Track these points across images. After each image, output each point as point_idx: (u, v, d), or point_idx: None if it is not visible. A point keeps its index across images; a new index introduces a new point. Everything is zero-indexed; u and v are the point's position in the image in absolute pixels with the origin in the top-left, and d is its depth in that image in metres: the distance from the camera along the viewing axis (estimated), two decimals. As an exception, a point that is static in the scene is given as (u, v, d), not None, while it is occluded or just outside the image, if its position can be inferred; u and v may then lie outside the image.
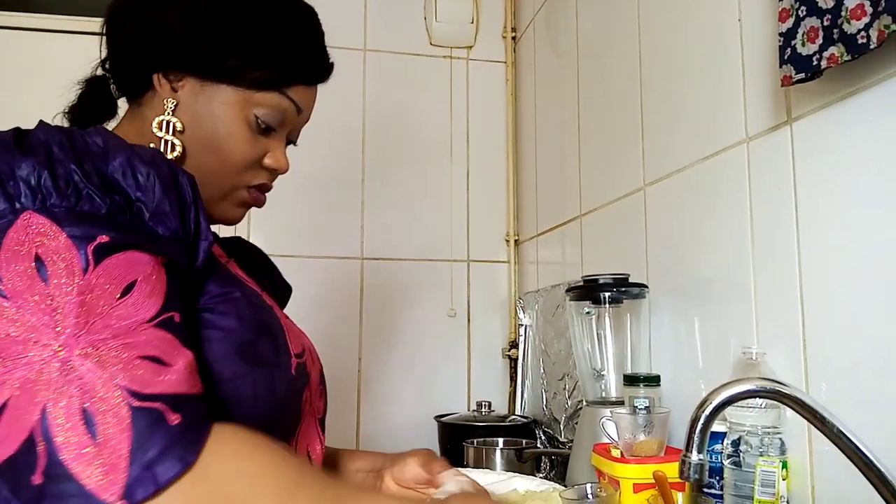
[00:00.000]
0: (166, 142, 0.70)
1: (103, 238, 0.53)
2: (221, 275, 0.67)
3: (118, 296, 0.52)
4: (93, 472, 0.46)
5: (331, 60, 0.80)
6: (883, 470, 0.56)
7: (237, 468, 0.51)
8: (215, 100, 0.71)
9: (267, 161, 0.76)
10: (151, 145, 0.69)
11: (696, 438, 0.62)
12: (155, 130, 0.70)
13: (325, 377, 0.81)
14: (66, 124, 0.75)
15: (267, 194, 0.80)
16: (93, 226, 0.53)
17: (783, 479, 0.89)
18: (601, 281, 1.31)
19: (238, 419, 0.61)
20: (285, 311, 0.87)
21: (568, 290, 1.40)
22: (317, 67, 0.78)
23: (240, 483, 0.50)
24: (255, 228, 1.81)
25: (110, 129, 0.75)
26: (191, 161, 0.71)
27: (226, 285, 0.66)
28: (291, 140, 0.80)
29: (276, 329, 0.69)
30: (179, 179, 0.60)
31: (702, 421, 0.62)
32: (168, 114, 0.70)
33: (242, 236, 0.93)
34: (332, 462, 0.86)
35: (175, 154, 0.70)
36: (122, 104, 0.78)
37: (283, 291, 0.93)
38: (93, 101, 0.77)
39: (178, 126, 0.70)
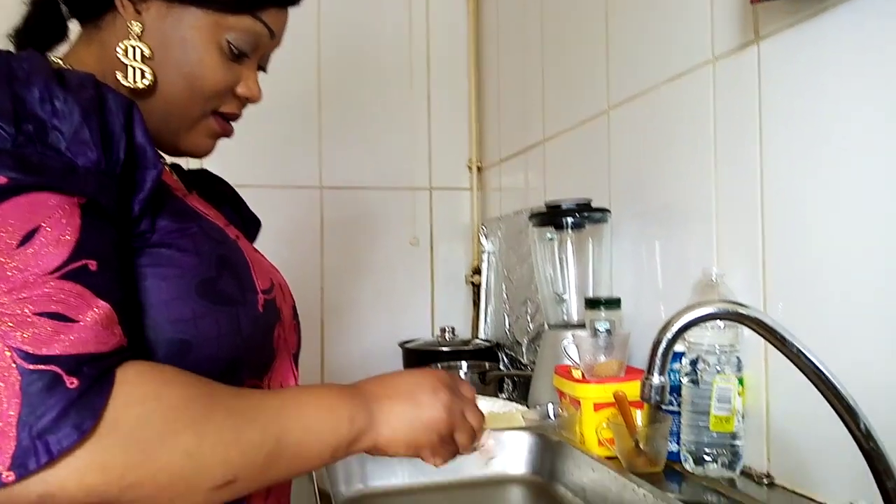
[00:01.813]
0: (135, 69, 0.65)
1: (1, 180, 0.48)
2: (176, 209, 0.63)
3: (16, 245, 0.47)
4: None
5: None
6: (839, 387, 0.58)
7: (147, 412, 0.49)
8: (184, 23, 0.66)
9: (240, 90, 0.71)
10: (117, 73, 0.65)
11: (657, 362, 0.63)
12: (120, 56, 0.65)
13: (297, 312, 0.80)
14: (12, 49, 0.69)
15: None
16: None
17: (739, 395, 0.92)
18: (563, 206, 1.30)
19: (202, 360, 0.59)
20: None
21: (530, 217, 1.40)
22: None
23: (152, 425, 0.49)
24: (207, 157, 1.73)
25: (64, 53, 0.70)
26: (161, 89, 0.66)
27: (181, 220, 0.62)
28: (262, 67, 0.76)
29: (240, 264, 0.66)
30: (108, 105, 0.55)
31: (663, 344, 0.62)
32: (133, 38, 0.65)
33: (193, 165, 0.89)
34: None
35: (146, 82, 0.65)
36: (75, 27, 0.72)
37: (251, 225, 0.90)
38: (40, 23, 0.71)
39: (146, 52, 0.65)
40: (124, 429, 0.47)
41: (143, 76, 0.65)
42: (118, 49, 0.65)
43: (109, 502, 0.47)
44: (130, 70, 0.65)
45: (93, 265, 0.50)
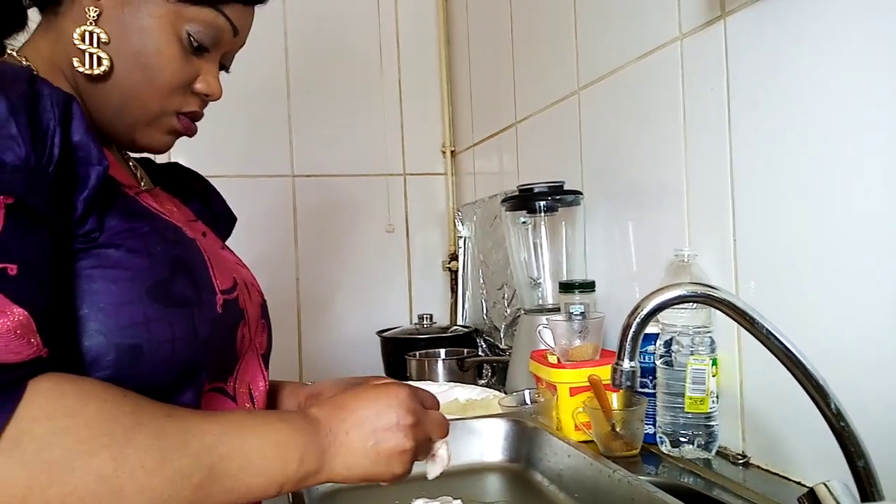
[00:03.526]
0: (91, 55, 0.62)
1: None
2: (126, 208, 0.61)
3: None
4: None
5: None
6: (808, 366, 0.57)
7: (55, 429, 0.45)
8: (143, 10, 0.63)
9: (198, 86, 0.69)
10: (75, 60, 0.62)
11: (627, 346, 0.61)
12: (77, 43, 0.62)
13: (267, 311, 0.77)
14: None
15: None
16: None
17: (713, 376, 0.92)
18: (536, 190, 1.29)
19: (156, 365, 0.57)
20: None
21: (503, 201, 1.38)
22: None
23: (61, 445, 0.45)
24: (174, 148, 1.69)
25: (22, 43, 0.67)
26: (117, 78, 0.64)
27: (132, 219, 0.60)
28: (224, 65, 0.73)
29: (197, 264, 0.63)
30: (42, 100, 0.52)
31: (633, 328, 0.61)
32: (90, 23, 0.62)
33: (163, 158, 0.86)
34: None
35: (102, 69, 0.62)
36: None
37: (224, 220, 0.87)
38: None
39: (103, 37, 0.63)
40: (30, 447, 0.44)
41: (99, 62, 0.62)
42: (75, 34, 0.62)
43: None
44: (87, 56, 0.62)
45: (12, 269, 0.47)
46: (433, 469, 0.66)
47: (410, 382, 0.78)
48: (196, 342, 0.60)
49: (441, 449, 0.65)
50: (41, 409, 0.46)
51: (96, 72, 0.62)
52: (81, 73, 0.62)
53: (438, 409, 0.66)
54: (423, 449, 0.62)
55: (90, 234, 0.56)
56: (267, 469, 0.53)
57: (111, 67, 0.63)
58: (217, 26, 0.67)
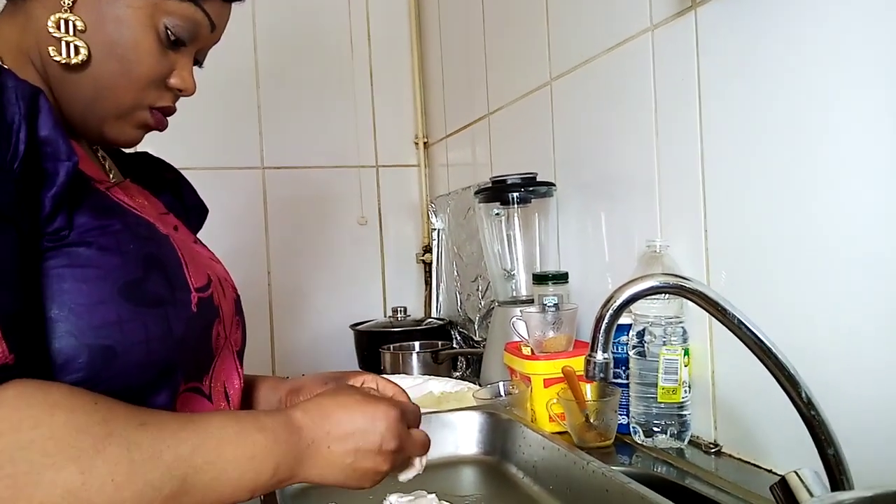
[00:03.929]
0: (67, 44, 0.60)
1: None
2: (97, 204, 0.59)
3: None
4: None
5: None
6: (779, 356, 0.57)
7: (20, 442, 0.44)
8: (120, 1, 0.61)
9: (173, 80, 0.67)
10: (50, 48, 0.60)
11: (600, 338, 0.61)
12: (52, 30, 0.60)
13: (241, 306, 0.76)
14: None
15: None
16: None
17: (685, 366, 0.92)
18: (509, 181, 1.28)
19: (129, 366, 0.55)
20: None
21: (476, 192, 1.38)
22: None
23: (25, 459, 0.43)
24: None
25: None
26: (93, 69, 0.62)
27: (102, 216, 0.58)
28: (198, 61, 0.71)
29: (171, 262, 0.62)
30: (5, 94, 0.50)
31: (606, 320, 0.61)
32: (65, 10, 0.60)
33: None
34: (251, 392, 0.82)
35: (80, 58, 0.60)
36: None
37: (195, 212, 0.85)
38: None
39: (79, 25, 0.60)
40: None
41: (76, 51, 0.60)
42: (49, 22, 0.60)
43: None
44: (63, 45, 0.60)
45: None
46: (406, 475, 0.66)
47: (385, 376, 0.77)
48: (171, 342, 0.58)
49: (416, 459, 0.65)
50: (5, 422, 0.44)
51: (73, 61, 0.60)
52: (57, 62, 0.60)
53: (419, 425, 0.65)
54: (399, 468, 0.62)
55: (59, 233, 0.54)
56: (240, 480, 0.52)
57: (89, 57, 0.61)
58: (195, 21, 0.65)
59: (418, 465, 0.65)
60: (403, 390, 0.70)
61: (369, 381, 0.74)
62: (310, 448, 0.56)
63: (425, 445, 0.64)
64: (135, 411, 0.50)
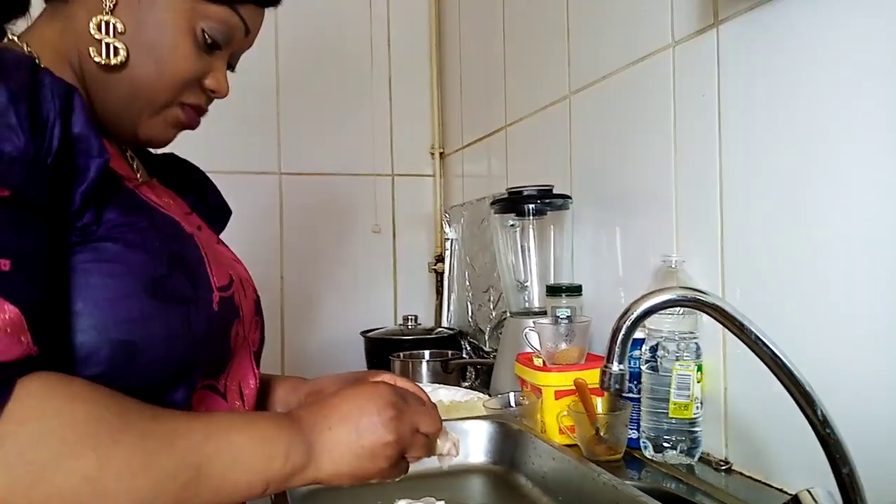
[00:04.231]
0: (107, 45, 0.61)
1: None
2: (125, 201, 0.60)
3: None
4: None
5: None
6: (796, 373, 0.57)
7: (44, 429, 0.45)
8: (160, 3, 0.63)
9: (208, 82, 0.68)
10: (90, 49, 0.61)
11: (616, 349, 0.61)
12: (93, 32, 0.61)
13: (261, 307, 0.76)
14: None
15: None
16: None
17: (698, 382, 0.92)
18: (525, 193, 1.29)
19: (150, 363, 0.56)
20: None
21: (492, 203, 1.38)
22: None
23: (47, 446, 0.44)
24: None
25: (24, 28, 0.66)
26: (131, 70, 0.63)
27: (130, 213, 0.59)
28: (231, 65, 0.73)
29: (194, 260, 0.63)
30: (43, 90, 0.51)
31: (623, 332, 0.61)
32: (107, 13, 0.62)
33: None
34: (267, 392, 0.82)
35: (119, 59, 0.62)
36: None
37: (219, 213, 0.86)
38: None
39: (119, 27, 0.62)
40: (15, 447, 0.44)
41: (115, 53, 0.62)
42: (91, 24, 0.61)
43: None
44: (103, 46, 0.61)
45: (5, 265, 0.46)
46: (444, 462, 0.67)
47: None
48: (191, 340, 0.59)
49: (447, 444, 0.66)
50: (30, 410, 0.45)
51: (113, 62, 0.62)
52: (96, 62, 0.61)
53: (425, 404, 0.65)
54: (412, 443, 0.61)
55: (88, 228, 0.55)
56: (253, 465, 0.53)
57: (127, 58, 0.62)
58: (231, 25, 0.67)
59: (452, 449, 0.66)
60: (422, 390, 0.70)
61: (388, 380, 0.74)
62: (314, 432, 0.57)
63: (430, 414, 0.64)
64: (148, 406, 0.51)
